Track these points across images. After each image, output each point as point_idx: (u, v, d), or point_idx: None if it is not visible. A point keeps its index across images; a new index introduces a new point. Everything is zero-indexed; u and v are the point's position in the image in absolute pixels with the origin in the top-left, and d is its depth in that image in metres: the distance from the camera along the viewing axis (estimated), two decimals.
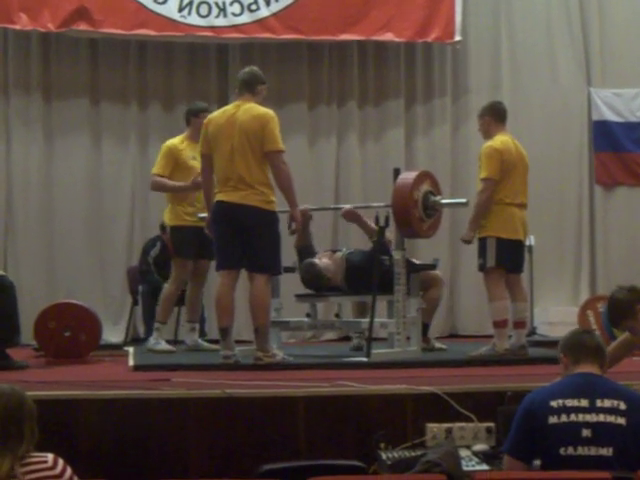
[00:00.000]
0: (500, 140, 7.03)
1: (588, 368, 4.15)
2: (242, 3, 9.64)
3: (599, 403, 4.01)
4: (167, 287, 7.72)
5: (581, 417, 3.98)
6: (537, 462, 4.16)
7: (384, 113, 10.25)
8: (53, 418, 4.75)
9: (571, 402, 4.01)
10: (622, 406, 4.01)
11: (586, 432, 3.96)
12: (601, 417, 3.98)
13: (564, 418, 3.99)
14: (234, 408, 5.05)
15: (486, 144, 7.06)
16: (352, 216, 7.58)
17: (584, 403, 4.01)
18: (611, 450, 3.93)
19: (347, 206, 7.74)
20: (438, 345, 7.71)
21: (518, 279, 7.19)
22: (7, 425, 3.44)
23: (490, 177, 6.93)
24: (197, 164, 7.58)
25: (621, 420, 3.98)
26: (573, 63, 10.38)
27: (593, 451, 3.94)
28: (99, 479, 3.59)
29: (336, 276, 7.39)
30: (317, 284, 7.39)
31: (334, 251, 7.72)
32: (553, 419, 4.00)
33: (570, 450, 3.95)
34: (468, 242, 7.15)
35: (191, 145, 7.67)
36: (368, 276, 7.07)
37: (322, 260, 7.45)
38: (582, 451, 3.94)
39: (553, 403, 4.03)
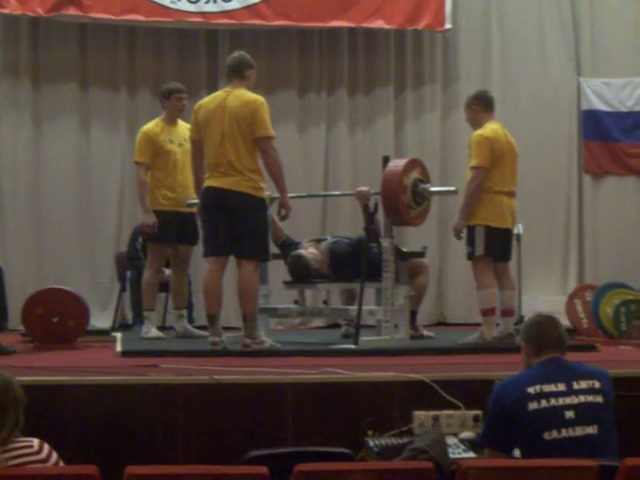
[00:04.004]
0: (490, 128, 7.02)
1: (551, 355, 4.17)
2: None
3: (576, 385, 4.06)
4: (144, 275, 7.72)
5: (561, 401, 4.02)
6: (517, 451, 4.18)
7: (374, 100, 10.23)
8: (40, 403, 4.72)
9: (548, 387, 4.05)
10: (597, 385, 4.08)
11: (569, 414, 4.00)
12: (581, 398, 4.03)
13: (544, 403, 4.02)
14: (222, 394, 5.05)
15: (476, 132, 7.03)
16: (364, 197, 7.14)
17: (561, 387, 4.05)
18: (596, 428, 3.98)
19: (363, 188, 7.22)
20: (426, 333, 7.71)
21: (506, 267, 7.18)
22: None
23: (480, 165, 6.91)
24: (174, 147, 7.60)
25: (599, 398, 4.05)
26: (563, 52, 10.38)
27: (579, 431, 3.98)
28: (86, 465, 3.57)
29: (323, 265, 7.39)
30: (305, 276, 7.37)
31: (318, 240, 7.69)
32: (533, 405, 4.03)
33: (554, 434, 3.98)
34: (459, 232, 7.00)
35: (167, 128, 7.66)
36: (352, 265, 7.07)
37: (309, 250, 7.45)
38: (566, 433, 3.98)
39: (530, 389, 4.05)
